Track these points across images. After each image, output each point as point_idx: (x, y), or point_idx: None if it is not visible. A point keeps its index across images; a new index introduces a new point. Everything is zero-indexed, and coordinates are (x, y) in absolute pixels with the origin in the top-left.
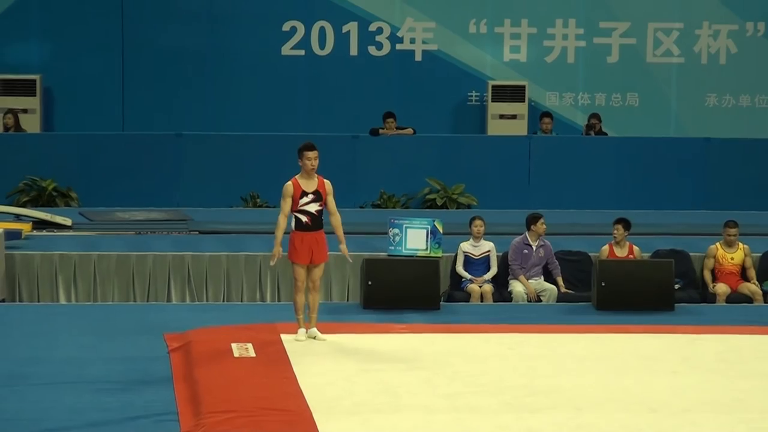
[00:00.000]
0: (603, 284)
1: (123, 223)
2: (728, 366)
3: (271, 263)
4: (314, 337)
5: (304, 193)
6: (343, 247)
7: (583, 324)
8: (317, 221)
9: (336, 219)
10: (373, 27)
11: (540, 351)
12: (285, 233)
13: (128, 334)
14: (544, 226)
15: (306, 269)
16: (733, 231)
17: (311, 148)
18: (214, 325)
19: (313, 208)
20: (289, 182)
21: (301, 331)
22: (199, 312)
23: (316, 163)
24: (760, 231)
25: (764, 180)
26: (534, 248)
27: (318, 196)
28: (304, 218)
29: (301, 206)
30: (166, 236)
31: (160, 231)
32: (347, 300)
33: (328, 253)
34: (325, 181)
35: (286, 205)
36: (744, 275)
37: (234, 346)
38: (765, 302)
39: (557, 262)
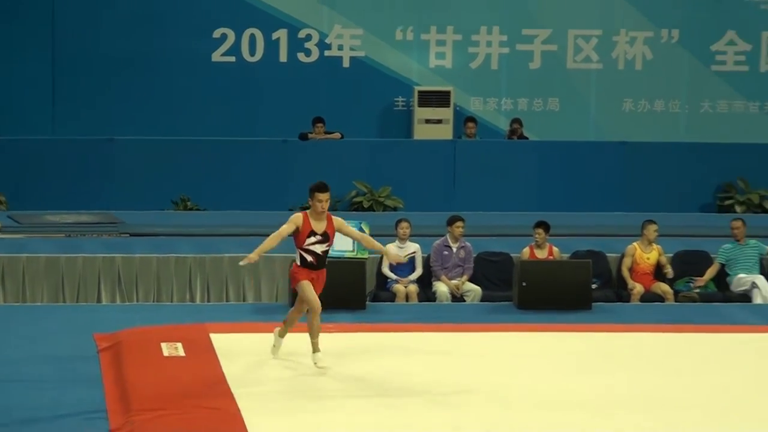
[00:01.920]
0: (524, 284)
1: (52, 225)
2: (643, 363)
3: (241, 263)
4: (316, 363)
5: (313, 233)
6: (387, 250)
7: (505, 323)
8: (322, 261)
9: (367, 240)
10: (302, 34)
11: (464, 349)
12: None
13: (58, 334)
14: (460, 229)
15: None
16: (653, 227)
17: (323, 189)
18: (144, 325)
19: (320, 249)
20: (301, 215)
21: (279, 340)
22: (130, 312)
23: (327, 205)
24: (674, 232)
25: (677, 182)
26: (454, 250)
27: (326, 238)
28: (309, 257)
29: (307, 245)
30: (96, 239)
31: (90, 234)
32: (276, 300)
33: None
34: (333, 219)
35: (286, 230)
36: (657, 275)
37: (164, 345)
38: (675, 301)
39: (472, 264)
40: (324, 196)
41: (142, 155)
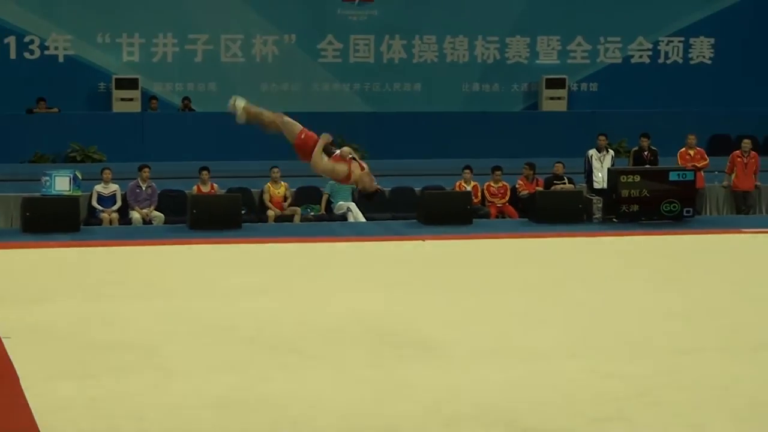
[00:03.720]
0: (194, 211)
1: None
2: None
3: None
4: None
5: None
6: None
7: (180, 239)
8: None
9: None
10: (27, 39)
11: (148, 258)
12: None
13: None
14: (147, 174)
15: None
16: (277, 170)
17: None
18: None
19: None
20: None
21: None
22: None
23: None
24: (296, 174)
25: None
26: (143, 188)
27: None
28: None
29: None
30: None
31: None
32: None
33: None
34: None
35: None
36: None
37: None
38: (300, 221)
39: (157, 198)
40: None
41: None
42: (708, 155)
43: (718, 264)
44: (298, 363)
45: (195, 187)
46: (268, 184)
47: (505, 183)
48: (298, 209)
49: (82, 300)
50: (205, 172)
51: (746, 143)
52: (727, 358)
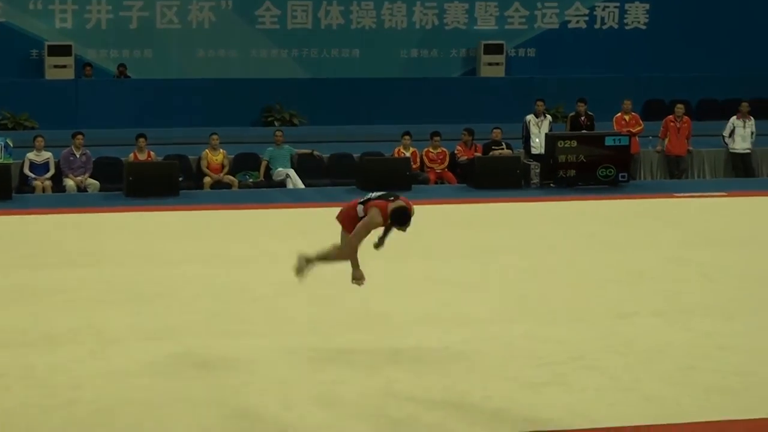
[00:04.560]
0: (131, 179)
1: None
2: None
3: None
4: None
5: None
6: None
7: (116, 207)
8: None
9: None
10: None
11: (80, 226)
12: None
13: None
14: (81, 141)
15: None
16: (216, 137)
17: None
18: None
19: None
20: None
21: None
22: None
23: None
24: (233, 141)
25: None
26: (78, 156)
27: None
28: None
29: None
30: None
31: None
32: None
33: None
34: None
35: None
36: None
37: None
38: (239, 188)
39: (91, 166)
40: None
41: None
42: (642, 120)
43: (653, 229)
44: (237, 330)
45: (131, 155)
46: (206, 150)
47: (444, 149)
48: (235, 177)
49: (14, 268)
50: (141, 139)
51: (679, 108)
52: (660, 322)
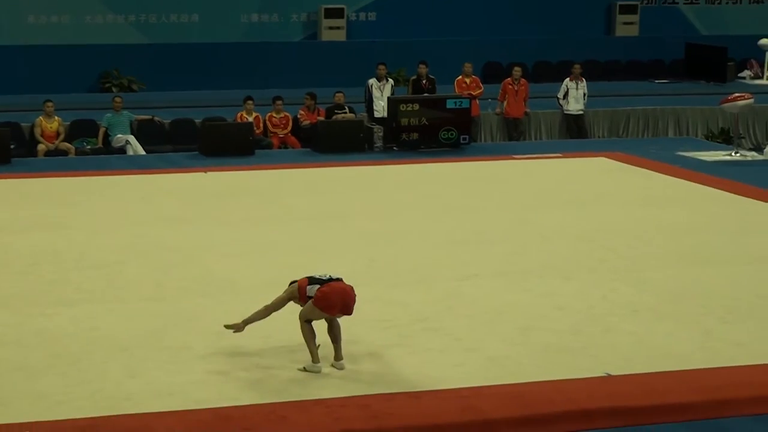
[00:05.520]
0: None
1: None
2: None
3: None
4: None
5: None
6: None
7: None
8: None
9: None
10: None
11: None
12: None
13: None
14: None
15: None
16: (50, 104)
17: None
18: None
19: None
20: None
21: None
22: None
23: None
24: (69, 107)
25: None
26: None
27: None
28: None
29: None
30: None
31: None
32: None
33: None
34: None
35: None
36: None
37: None
38: (75, 155)
39: None
40: None
41: None
42: (482, 83)
43: (494, 191)
44: (78, 297)
45: (38, 119)
46: (41, 117)
47: (287, 113)
48: (72, 145)
49: None
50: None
51: (517, 71)
52: (501, 284)
